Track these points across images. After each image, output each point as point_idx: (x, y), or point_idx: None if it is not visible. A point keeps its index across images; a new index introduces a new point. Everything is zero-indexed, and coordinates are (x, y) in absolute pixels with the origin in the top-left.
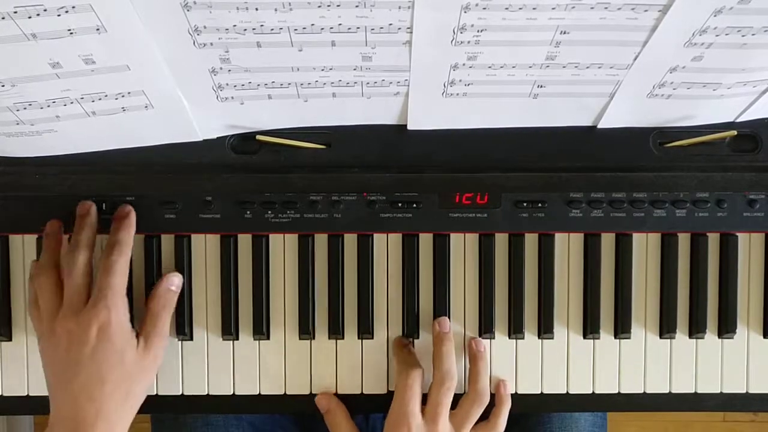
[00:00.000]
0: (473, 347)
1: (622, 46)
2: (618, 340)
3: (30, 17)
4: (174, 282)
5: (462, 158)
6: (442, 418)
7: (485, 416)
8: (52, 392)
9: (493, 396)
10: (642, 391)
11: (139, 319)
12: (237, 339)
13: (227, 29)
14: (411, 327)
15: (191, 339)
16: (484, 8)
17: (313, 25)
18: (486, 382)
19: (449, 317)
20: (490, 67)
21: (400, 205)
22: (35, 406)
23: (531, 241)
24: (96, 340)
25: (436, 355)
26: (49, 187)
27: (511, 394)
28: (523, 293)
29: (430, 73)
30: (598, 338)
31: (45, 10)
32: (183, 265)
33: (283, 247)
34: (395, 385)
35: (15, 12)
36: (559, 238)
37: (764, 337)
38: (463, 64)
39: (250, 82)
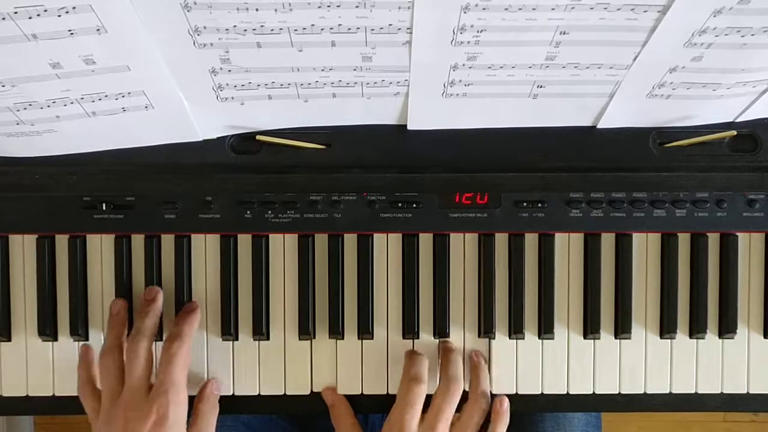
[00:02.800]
0: (474, 358)
1: (621, 46)
2: (618, 341)
3: (30, 18)
4: (216, 387)
5: (462, 158)
6: (443, 424)
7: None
8: None
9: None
10: (642, 392)
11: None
12: (236, 339)
13: (227, 30)
14: (411, 327)
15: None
16: (484, 8)
17: (313, 25)
18: (486, 389)
19: (449, 317)
20: (489, 67)
21: (400, 205)
22: (35, 406)
23: (531, 241)
24: (150, 430)
25: (443, 361)
26: (49, 187)
27: (512, 395)
28: (523, 293)
29: (430, 73)
30: (599, 338)
31: (45, 11)
32: (183, 265)
33: (283, 247)
34: (398, 393)
35: (15, 12)
36: (559, 238)
37: (765, 337)
38: (463, 65)
39: (250, 83)
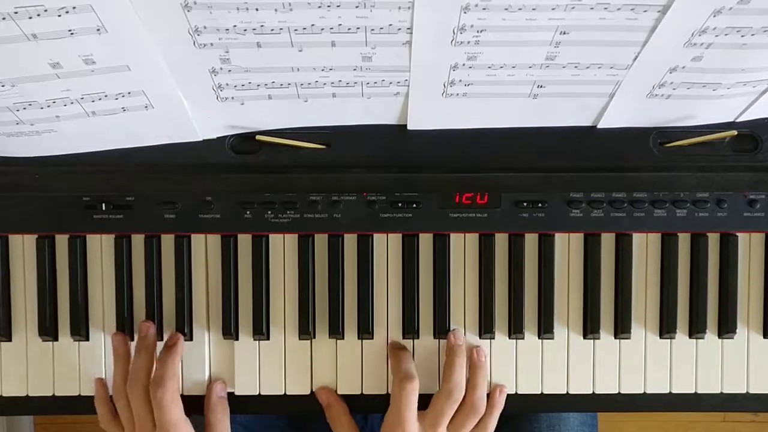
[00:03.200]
0: (474, 356)
1: (621, 46)
2: (618, 340)
3: (30, 17)
4: (221, 389)
5: (462, 158)
6: (442, 427)
7: None
8: None
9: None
10: (642, 392)
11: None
12: (237, 339)
13: (227, 29)
14: (411, 327)
15: (191, 339)
16: (484, 8)
17: (313, 25)
18: (484, 393)
19: (449, 317)
20: (490, 67)
21: (400, 205)
22: (35, 406)
23: (531, 241)
24: None
25: (448, 365)
26: (49, 187)
27: (512, 395)
28: (523, 293)
29: (430, 73)
30: (598, 338)
31: (45, 11)
32: (183, 265)
33: (283, 247)
34: (392, 392)
35: (15, 12)
36: (559, 238)
37: (764, 337)
38: (463, 65)
39: (250, 82)
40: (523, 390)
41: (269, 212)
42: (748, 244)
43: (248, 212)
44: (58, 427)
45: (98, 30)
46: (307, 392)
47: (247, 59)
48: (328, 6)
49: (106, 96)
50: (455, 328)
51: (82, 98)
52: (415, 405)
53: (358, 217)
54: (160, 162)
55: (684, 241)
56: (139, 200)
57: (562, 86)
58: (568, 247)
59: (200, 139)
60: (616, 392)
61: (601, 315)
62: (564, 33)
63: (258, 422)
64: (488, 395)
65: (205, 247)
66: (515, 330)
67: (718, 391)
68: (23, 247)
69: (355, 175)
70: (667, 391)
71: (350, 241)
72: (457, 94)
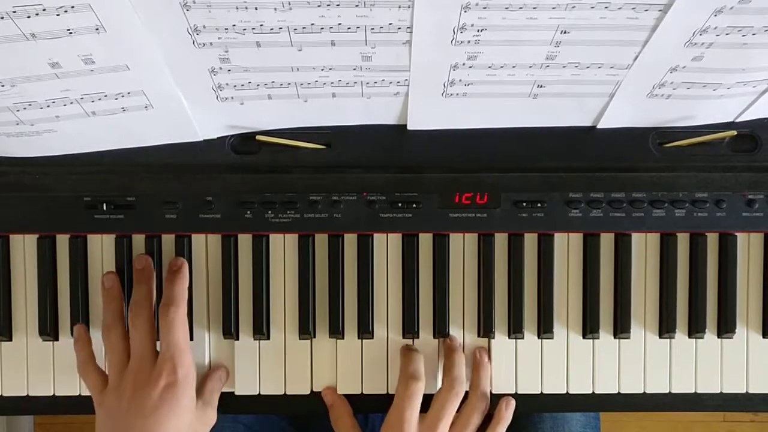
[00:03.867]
0: (477, 356)
1: (622, 45)
2: (618, 340)
3: (29, 17)
4: (225, 378)
5: (462, 158)
6: (444, 424)
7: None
8: None
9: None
10: (642, 391)
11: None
12: (237, 339)
13: (227, 29)
14: (411, 327)
15: (191, 339)
16: (484, 8)
17: (312, 24)
18: (486, 391)
19: (449, 317)
20: (490, 67)
21: (400, 205)
22: (35, 406)
23: (530, 241)
24: (160, 396)
25: (447, 360)
26: (49, 187)
27: (512, 394)
28: (522, 293)
29: (430, 73)
30: (598, 338)
31: (44, 10)
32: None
33: (283, 247)
34: (396, 391)
35: (14, 12)
36: (559, 238)
37: (764, 336)
38: (463, 64)
39: (249, 82)
40: (522, 390)
41: (269, 212)
42: (747, 244)
43: (248, 212)
44: (58, 427)
45: (97, 29)
46: (307, 392)
47: (246, 59)
48: (328, 5)
49: (105, 96)
50: (452, 336)
51: (81, 98)
52: (418, 406)
53: (358, 217)
54: (161, 162)
55: (683, 240)
56: (140, 200)
57: (562, 86)
58: (567, 247)
59: (200, 139)
60: (616, 392)
61: (600, 315)
62: (564, 32)
63: (260, 422)
64: (495, 408)
65: (205, 247)
66: (515, 330)
67: (718, 391)
68: (24, 247)
69: (355, 175)
70: (667, 391)
71: (350, 241)
72: (457, 94)
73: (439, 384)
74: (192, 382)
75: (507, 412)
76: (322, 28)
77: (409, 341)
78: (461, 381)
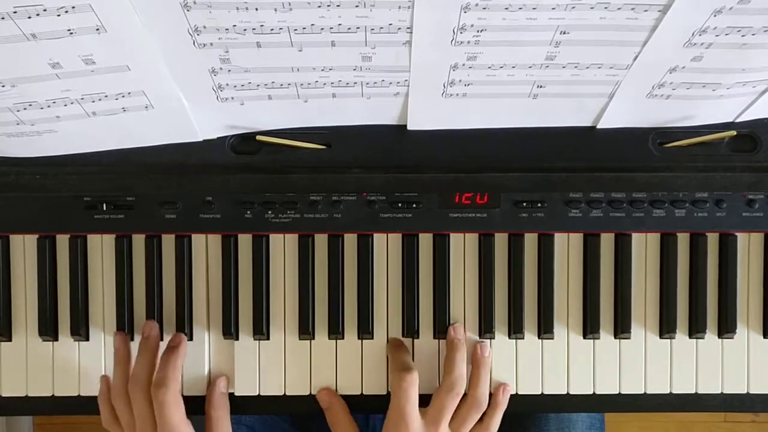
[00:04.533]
0: (478, 352)
1: (621, 46)
2: (618, 340)
3: (30, 17)
4: (223, 385)
5: (462, 158)
6: (444, 422)
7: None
8: None
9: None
10: (642, 392)
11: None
12: (237, 339)
13: (227, 29)
14: (411, 327)
15: (191, 339)
16: (484, 8)
17: (313, 25)
18: (486, 389)
19: (449, 317)
20: (489, 67)
21: (400, 205)
22: (35, 406)
23: (531, 241)
24: None
25: (449, 359)
26: (49, 187)
27: (512, 395)
28: (523, 293)
29: (430, 73)
30: (598, 338)
31: (45, 10)
32: (183, 265)
33: (283, 247)
34: (391, 387)
35: (15, 12)
36: (559, 238)
37: (764, 337)
38: (463, 65)
39: (250, 83)
40: (523, 390)
41: (269, 212)
42: (747, 244)
43: (248, 212)
44: (58, 427)
45: (98, 30)
46: (307, 392)
47: (247, 59)
48: (328, 6)
49: (106, 96)
50: (455, 323)
51: (82, 98)
52: (416, 398)
53: (358, 217)
54: (161, 162)
55: (683, 241)
56: (140, 200)
57: (562, 86)
58: (567, 247)
59: (200, 139)
60: (617, 392)
61: (600, 315)
62: (564, 33)
63: (261, 423)
64: (491, 394)
65: (205, 247)
66: (515, 330)
67: (719, 391)
68: (24, 247)
69: (355, 175)
70: (668, 391)
71: (350, 241)
72: (457, 94)
73: (439, 383)
74: None
75: (503, 398)
76: (322, 29)
77: (409, 342)
78: (462, 381)
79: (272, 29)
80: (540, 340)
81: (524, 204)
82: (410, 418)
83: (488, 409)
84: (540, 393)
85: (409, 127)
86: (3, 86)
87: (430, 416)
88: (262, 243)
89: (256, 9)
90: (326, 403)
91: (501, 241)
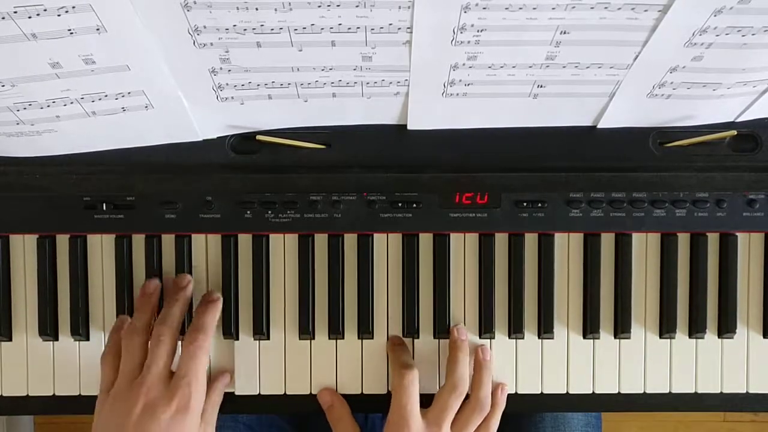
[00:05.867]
0: (479, 355)
1: (622, 46)
2: (618, 340)
3: (30, 17)
4: (227, 383)
5: (462, 158)
6: (447, 423)
7: None
8: None
9: None
10: (642, 391)
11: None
12: (237, 339)
13: (227, 29)
14: (411, 327)
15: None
16: (484, 8)
17: (313, 25)
18: (488, 391)
19: (449, 317)
20: (490, 67)
21: (400, 205)
22: (35, 406)
23: (531, 241)
24: (169, 421)
25: (452, 360)
26: (50, 187)
27: (512, 395)
28: (523, 293)
29: (430, 73)
30: (598, 338)
31: (45, 10)
32: (183, 265)
33: (283, 247)
34: (392, 386)
35: (15, 12)
36: (559, 238)
37: (764, 337)
38: (463, 64)
39: (250, 82)
40: (523, 390)
41: (269, 212)
42: (747, 243)
43: (248, 212)
44: (58, 427)
45: (98, 30)
46: (307, 392)
47: (247, 59)
48: (328, 5)
49: (106, 96)
50: (458, 324)
51: (82, 98)
52: (417, 396)
53: (358, 217)
54: (161, 162)
55: (683, 241)
56: (140, 200)
57: (562, 86)
58: (567, 247)
59: (200, 139)
60: (616, 392)
61: (600, 315)
62: (564, 33)
63: (260, 422)
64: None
65: (205, 247)
66: (515, 330)
67: (718, 391)
68: (24, 247)
69: (355, 175)
70: (667, 391)
71: (350, 241)
72: (457, 94)
73: (439, 383)
74: (200, 413)
75: (502, 398)
76: (322, 29)
77: (409, 341)
78: (464, 381)
79: (272, 29)
80: (540, 340)
81: (524, 204)
82: (411, 416)
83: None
84: (540, 393)
85: (409, 127)
86: (3, 86)
87: (432, 416)
88: (262, 243)
89: (256, 9)
90: (327, 403)
91: (501, 241)
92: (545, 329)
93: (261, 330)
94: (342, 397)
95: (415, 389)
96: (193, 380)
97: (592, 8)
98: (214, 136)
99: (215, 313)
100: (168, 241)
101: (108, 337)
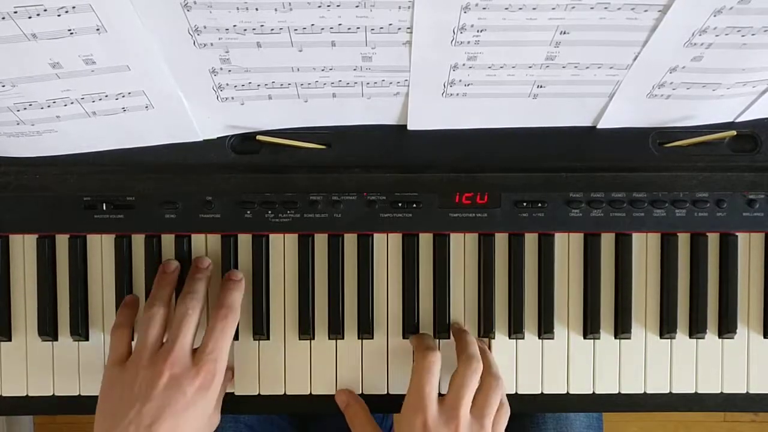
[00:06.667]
0: (478, 344)
1: (621, 46)
2: (618, 340)
3: (30, 17)
4: (230, 374)
5: (462, 158)
6: (465, 401)
7: None
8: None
9: None
10: (642, 392)
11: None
12: (237, 339)
13: (227, 29)
14: (411, 327)
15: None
16: (484, 8)
17: (313, 25)
18: (498, 370)
19: (449, 317)
20: (490, 67)
21: (400, 205)
22: (35, 406)
23: (531, 241)
24: (193, 395)
25: (459, 342)
26: (50, 187)
27: (512, 395)
28: (523, 293)
29: (430, 73)
30: (599, 338)
31: (45, 10)
32: (183, 265)
33: (283, 247)
34: (413, 369)
35: (15, 12)
36: (559, 238)
37: (764, 337)
38: (463, 64)
39: (250, 83)
40: (523, 390)
41: (269, 212)
42: (747, 244)
43: (248, 212)
44: (58, 427)
45: (98, 30)
46: (307, 392)
47: (247, 59)
48: (328, 6)
49: (106, 96)
50: (456, 322)
51: (82, 98)
52: (437, 380)
53: (358, 217)
54: (161, 162)
55: (684, 241)
56: (140, 200)
57: (562, 86)
58: (567, 247)
59: (200, 139)
60: (617, 392)
61: (601, 315)
62: (564, 33)
63: (260, 422)
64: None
65: (205, 247)
66: (515, 330)
67: (718, 391)
68: (23, 247)
69: (355, 175)
70: (667, 391)
71: (350, 241)
72: (457, 94)
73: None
74: (215, 396)
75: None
76: (322, 29)
77: (408, 342)
78: (477, 357)
79: (272, 29)
80: (540, 340)
81: (524, 204)
82: (428, 399)
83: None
84: (540, 393)
85: (409, 127)
86: (3, 86)
87: (449, 401)
88: (262, 243)
89: (256, 9)
90: (344, 403)
91: (501, 241)
92: (545, 329)
93: (261, 330)
94: (359, 397)
95: (436, 372)
96: (219, 357)
97: (591, 8)
98: (215, 136)
99: (241, 292)
100: (168, 241)
101: (119, 312)
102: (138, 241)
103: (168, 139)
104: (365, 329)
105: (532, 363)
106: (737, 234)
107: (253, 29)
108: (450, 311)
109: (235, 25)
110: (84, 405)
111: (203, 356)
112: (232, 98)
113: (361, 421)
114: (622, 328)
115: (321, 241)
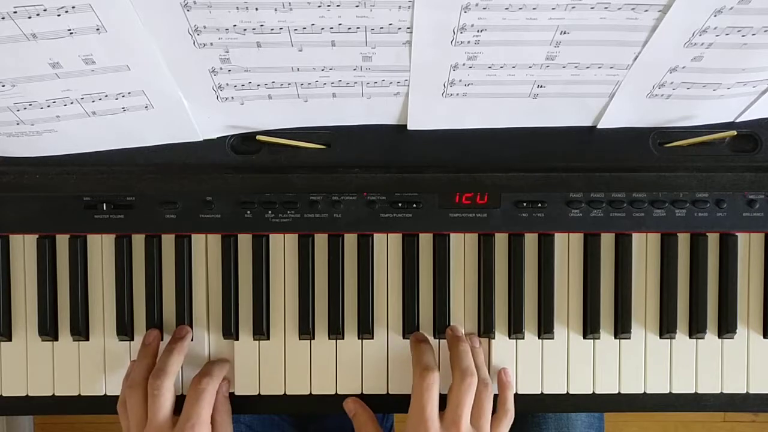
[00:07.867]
0: (503, 378)
1: (622, 46)
2: (618, 340)
3: (30, 17)
4: (226, 388)
5: (462, 158)
6: (464, 417)
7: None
8: None
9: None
10: (642, 392)
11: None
12: (237, 339)
13: (227, 29)
14: (411, 327)
15: (191, 339)
16: (484, 8)
17: (313, 25)
18: (486, 374)
19: (449, 317)
20: (490, 67)
21: (400, 205)
22: (35, 406)
23: (531, 241)
24: None
25: (453, 354)
26: (49, 187)
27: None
28: (523, 293)
29: (430, 73)
30: (598, 338)
31: (45, 10)
32: (183, 265)
33: (283, 247)
34: (413, 387)
35: (15, 12)
36: (559, 238)
37: (764, 337)
38: (463, 64)
39: (250, 82)
40: (523, 390)
41: (269, 212)
42: (747, 244)
43: (248, 212)
44: (58, 427)
45: (98, 30)
46: (307, 392)
47: (247, 59)
48: (328, 6)
49: (106, 96)
50: (453, 325)
51: (82, 98)
52: (437, 399)
53: (358, 217)
54: (161, 162)
55: (683, 241)
56: (140, 200)
57: (562, 86)
58: (567, 247)
59: (200, 139)
60: (616, 392)
61: (601, 315)
62: (564, 33)
63: (261, 422)
64: (496, 380)
65: (205, 247)
66: (515, 330)
67: (718, 391)
68: (23, 247)
69: (355, 175)
70: (667, 391)
71: (350, 241)
72: (457, 94)
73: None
74: None
75: (507, 378)
76: (322, 29)
77: (408, 342)
78: (471, 371)
79: (272, 29)
80: (540, 340)
81: (524, 204)
82: (430, 420)
83: (500, 391)
84: (540, 393)
85: (409, 127)
86: (3, 86)
87: (449, 417)
88: (262, 243)
89: (256, 9)
90: (352, 411)
91: (501, 241)
92: (545, 329)
93: (261, 330)
94: (365, 405)
95: (436, 392)
96: (197, 423)
97: (592, 8)
98: (214, 136)
99: (180, 354)
100: (168, 241)
101: (122, 387)
102: (138, 241)
103: (168, 139)
104: (365, 329)
105: (532, 363)
106: (737, 234)
107: (253, 29)
108: (450, 311)
109: (234, 25)
110: (83, 405)
111: (183, 425)
112: (232, 98)
113: (369, 429)
114: (621, 328)
115: (321, 241)
